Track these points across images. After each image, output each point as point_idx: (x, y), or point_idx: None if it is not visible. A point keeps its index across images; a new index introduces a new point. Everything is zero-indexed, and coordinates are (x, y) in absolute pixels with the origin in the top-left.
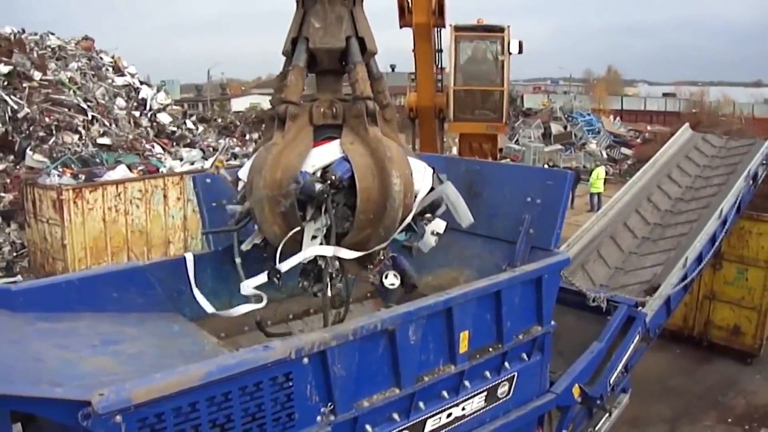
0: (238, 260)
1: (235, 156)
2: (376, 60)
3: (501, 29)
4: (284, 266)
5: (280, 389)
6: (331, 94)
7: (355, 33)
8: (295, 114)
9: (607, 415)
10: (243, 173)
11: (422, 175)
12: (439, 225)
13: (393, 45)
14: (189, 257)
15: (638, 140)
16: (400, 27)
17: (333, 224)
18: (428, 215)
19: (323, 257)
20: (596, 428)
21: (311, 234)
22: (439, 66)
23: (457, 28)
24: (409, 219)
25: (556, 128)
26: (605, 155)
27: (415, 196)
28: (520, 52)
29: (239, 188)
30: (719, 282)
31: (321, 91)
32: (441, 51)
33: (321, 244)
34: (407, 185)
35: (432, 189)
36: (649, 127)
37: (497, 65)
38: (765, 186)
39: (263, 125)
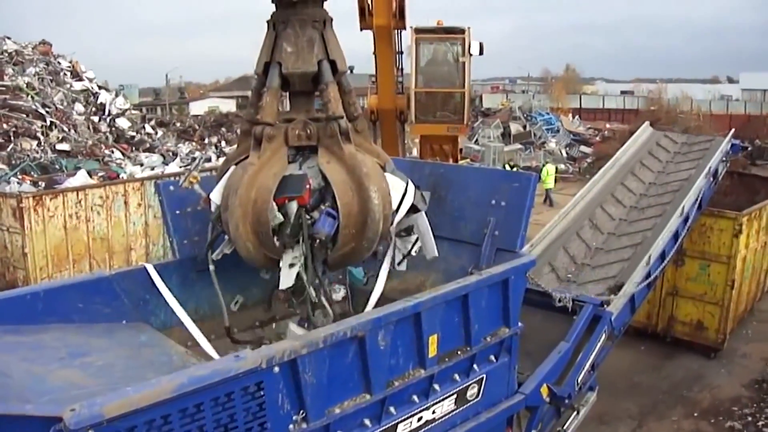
0: (212, 267)
1: (194, 160)
2: (346, 76)
3: (461, 31)
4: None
5: (251, 399)
6: (305, 113)
7: (327, 56)
8: (272, 135)
9: (575, 413)
10: (215, 195)
11: (399, 193)
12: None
13: (352, 47)
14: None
15: (597, 138)
16: (361, 29)
17: (309, 256)
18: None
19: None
20: (564, 427)
21: (288, 262)
22: (400, 68)
23: (418, 30)
24: (391, 230)
25: (515, 128)
26: (565, 154)
27: (397, 210)
28: (481, 53)
29: (212, 209)
30: (682, 278)
31: (294, 110)
32: (402, 53)
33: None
34: (385, 198)
35: (413, 206)
36: (608, 125)
37: (458, 67)
38: (725, 182)
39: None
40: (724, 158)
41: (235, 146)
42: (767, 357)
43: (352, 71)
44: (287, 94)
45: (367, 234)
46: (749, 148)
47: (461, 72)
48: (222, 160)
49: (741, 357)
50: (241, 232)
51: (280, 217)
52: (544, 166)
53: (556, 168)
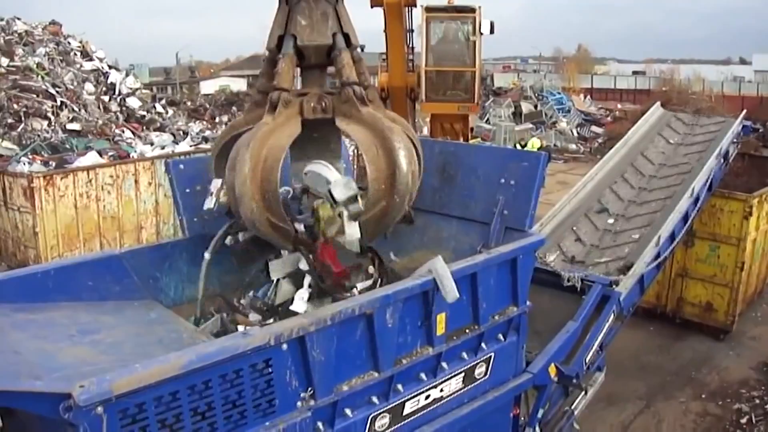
0: (207, 256)
1: (206, 139)
2: (358, 50)
3: (472, 10)
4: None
5: (259, 376)
6: (318, 88)
7: (340, 29)
8: (288, 101)
9: (583, 393)
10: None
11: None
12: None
13: (362, 25)
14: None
15: (608, 118)
16: (372, 6)
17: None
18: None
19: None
20: (572, 406)
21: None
22: (411, 46)
23: (429, 9)
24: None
25: (526, 107)
26: (576, 134)
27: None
28: (492, 32)
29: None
30: (691, 259)
31: (308, 85)
32: (412, 31)
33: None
34: (410, 151)
35: None
36: (619, 105)
37: (469, 46)
38: (736, 164)
39: (243, 106)
40: (735, 140)
41: (243, 115)
42: None
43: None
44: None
45: (398, 187)
46: (761, 130)
47: (472, 51)
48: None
49: (750, 339)
50: (248, 189)
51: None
52: (529, 139)
53: (551, 145)
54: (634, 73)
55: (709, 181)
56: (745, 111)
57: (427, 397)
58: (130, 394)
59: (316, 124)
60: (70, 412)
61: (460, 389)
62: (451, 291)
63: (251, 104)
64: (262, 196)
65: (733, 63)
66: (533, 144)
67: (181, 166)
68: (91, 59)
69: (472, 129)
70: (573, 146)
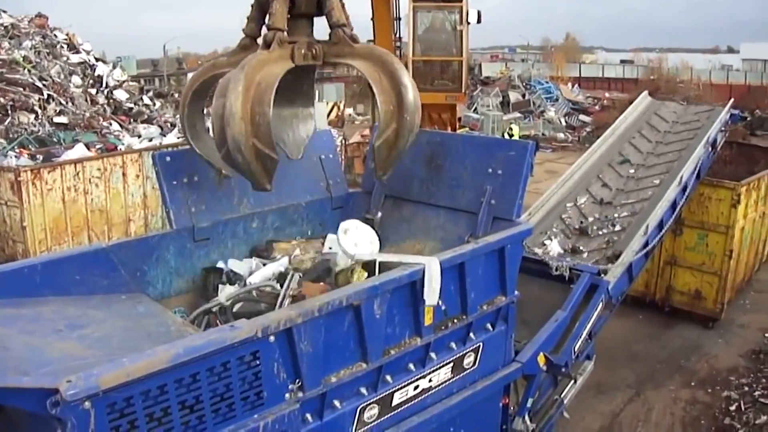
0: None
1: None
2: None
3: None
4: None
5: (247, 368)
6: (306, 37)
7: None
8: (284, 40)
9: (573, 382)
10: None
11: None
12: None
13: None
14: None
15: (596, 107)
16: None
17: None
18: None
19: None
20: (562, 395)
21: None
22: (398, 35)
23: None
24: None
25: (514, 96)
26: (564, 123)
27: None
28: (479, 21)
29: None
30: (680, 248)
31: (296, 34)
32: (399, 19)
33: None
34: (408, 72)
35: None
36: (607, 94)
37: (456, 35)
38: (724, 152)
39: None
40: (723, 128)
41: (227, 56)
42: (765, 327)
43: None
44: None
45: (407, 107)
46: (749, 119)
47: (459, 40)
48: None
49: (739, 327)
50: (239, 109)
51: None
52: (509, 126)
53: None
54: (622, 62)
55: (697, 169)
56: (732, 99)
57: (416, 387)
58: (117, 389)
59: (291, 70)
60: (58, 407)
61: (449, 379)
62: (434, 296)
63: (237, 47)
64: (252, 119)
65: (721, 52)
66: (513, 131)
67: (168, 158)
68: (77, 52)
69: (459, 119)
70: (561, 135)
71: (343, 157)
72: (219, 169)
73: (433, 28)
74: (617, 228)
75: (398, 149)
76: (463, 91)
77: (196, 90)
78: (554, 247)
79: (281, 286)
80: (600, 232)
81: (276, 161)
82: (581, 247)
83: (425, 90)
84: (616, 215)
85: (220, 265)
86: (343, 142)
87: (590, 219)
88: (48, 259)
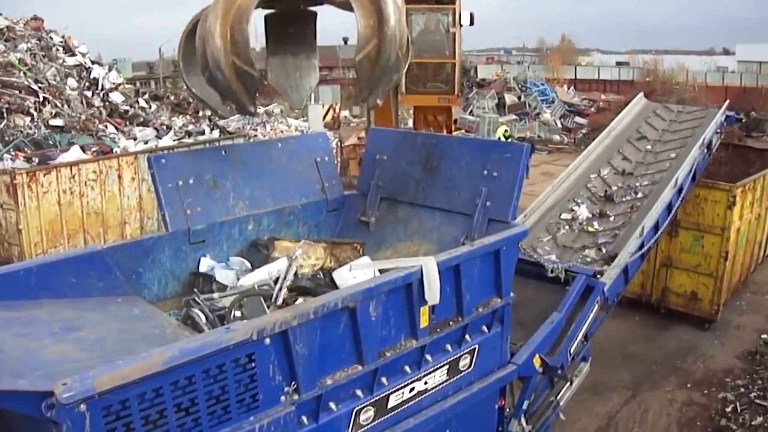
0: None
1: (189, 134)
2: None
3: (452, 1)
4: None
5: (243, 371)
6: None
7: None
8: None
9: (569, 383)
10: None
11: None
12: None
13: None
14: None
15: (592, 109)
16: None
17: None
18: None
19: None
20: (558, 397)
21: None
22: None
23: (408, 1)
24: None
25: (510, 98)
26: (560, 125)
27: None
28: (472, 23)
29: None
30: (676, 249)
31: None
32: None
33: None
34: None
35: None
36: (603, 96)
37: (448, 37)
38: (719, 153)
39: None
40: (718, 129)
41: None
42: (761, 328)
43: (346, 42)
44: None
45: (387, 20)
46: (744, 120)
47: (452, 42)
48: (216, 132)
49: (735, 328)
50: (218, 27)
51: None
52: (497, 128)
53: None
54: (618, 63)
55: (692, 171)
56: (728, 101)
57: (412, 389)
58: (113, 391)
59: (292, 19)
60: (53, 410)
61: (445, 381)
62: (435, 296)
63: None
64: (231, 37)
65: (717, 53)
66: (500, 132)
67: (163, 161)
68: (73, 54)
69: (455, 121)
70: (557, 137)
71: (338, 159)
72: (214, 108)
73: (426, 30)
74: (614, 228)
75: (381, 66)
76: (456, 93)
77: (191, 30)
78: (583, 211)
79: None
80: (596, 234)
81: (257, 80)
82: (608, 212)
83: (418, 92)
84: (613, 216)
85: (205, 267)
86: (339, 144)
87: (586, 219)
88: (43, 261)
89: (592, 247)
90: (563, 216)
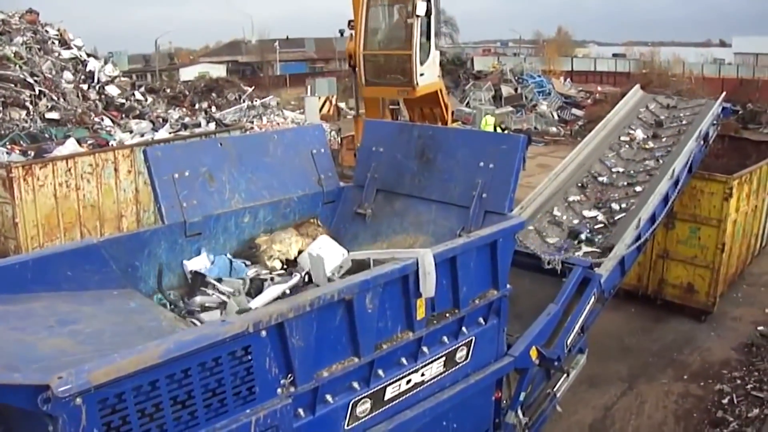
0: None
1: (185, 126)
2: None
3: None
4: None
5: (239, 363)
6: None
7: None
8: None
9: (565, 375)
10: None
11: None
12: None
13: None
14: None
15: (589, 101)
16: None
17: None
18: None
19: None
20: (554, 389)
21: None
22: None
23: None
24: None
25: (506, 90)
26: (556, 116)
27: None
28: (428, 14)
29: None
30: (672, 241)
31: None
32: None
33: None
34: None
35: None
36: (599, 88)
37: (406, 28)
38: (716, 145)
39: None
40: (714, 121)
41: None
42: (757, 320)
43: (342, 34)
44: None
45: None
46: (740, 112)
47: (409, 33)
48: (212, 125)
49: (731, 320)
50: None
51: None
52: (484, 117)
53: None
54: (614, 55)
55: (689, 163)
56: (724, 93)
57: (408, 381)
58: (109, 384)
59: None
60: (49, 403)
61: (442, 373)
62: (430, 289)
63: None
64: None
65: (713, 45)
66: (487, 122)
67: (159, 153)
68: (69, 47)
69: (453, 113)
70: (553, 129)
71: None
72: None
73: (384, 21)
74: (609, 221)
75: None
76: (414, 85)
77: None
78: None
79: None
80: (592, 225)
81: None
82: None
83: (378, 84)
84: (609, 207)
85: (198, 264)
86: (334, 135)
87: (582, 212)
88: (39, 255)
89: (589, 239)
90: (558, 209)
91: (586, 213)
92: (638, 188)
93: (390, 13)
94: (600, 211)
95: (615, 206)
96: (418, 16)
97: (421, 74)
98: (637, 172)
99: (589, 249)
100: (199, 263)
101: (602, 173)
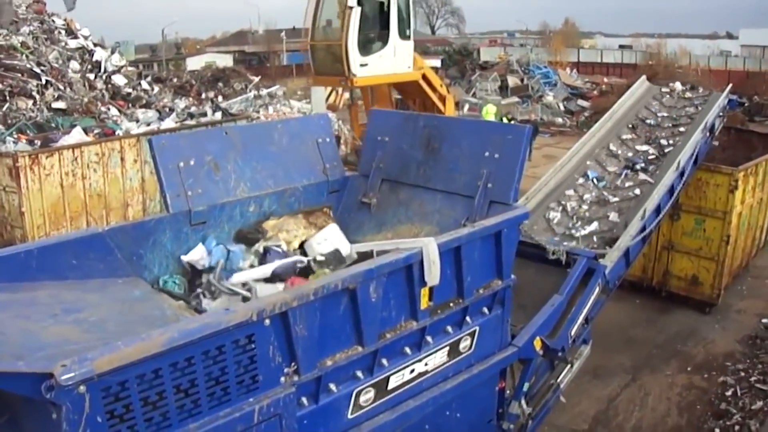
0: None
1: (191, 116)
2: None
3: None
4: None
5: (242, 352)
6: None
7: None
8: None
9: (569, 366)
10: None
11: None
12: None
13: None
14: None
15: (595, 92)
16: None
17: None
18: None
19: None
20: (558, 380)
21: None
22: None
23: None
24: None
25: (512, 81)
26: (562, 107)
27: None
28: (359, 4)
29: None
30: (677, 233)
31: None
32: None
33: None
34: None
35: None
36: (605, 79)
37: (342, 19)
38: (722, 137)
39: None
40: (720, 113)
41: None
42: (761, 313)
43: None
44: None
45: None
46: (747, 104)
47: (346, 24)
48: (218, 114)
49: (735, 312)
50: None
51: None
52: (484, 105)
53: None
54: (621, 47)
55: (694, 154)
56: (731, 85)
57: (412, 371)
58: (112, 372)
59: None
60: (52, 391)
61: (445, 363)
62: (435, 277)
63: None
64: None
65: (720, 37)
66: (488, 111)
67: (164, 142)
68: (76, 37)
69: (457, 103)
70: (559, 120)
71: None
72: None
73: (328, 13)
74: (615, 212)
75: None
76: (349, 74)
77: None
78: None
79: None
80: (597, 217)
81: None
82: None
83: (323, 74)
84: (614, 199)
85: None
86: (341, 125)
87: (588, 202)
88: (44, 243)
89: (595, 229)
90: (564, 199)
91: (594, 202)
92: (644, 179)
93: (331, 4)
94: (607, 201)
95: (622, 195)
96: (350, 7)
97: (363, 65)
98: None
99: (593, 232)
100: (195, 255)
101: (609, 162)
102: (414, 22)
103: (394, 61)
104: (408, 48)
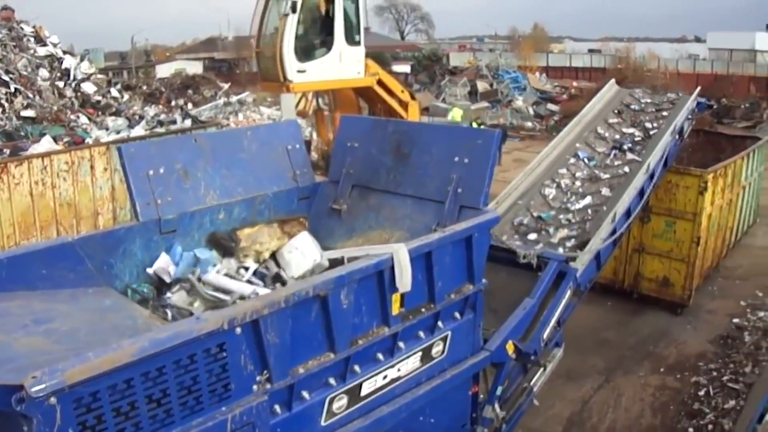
0: None
1: (161, 123)
2: None
3: None
4: None
5: (214, 360)
6: None
7: None
8: None
9: (542, 369)
10: None
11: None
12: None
13: None
14: None
15: (564, 96)
16: None
17: None
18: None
19: None
20: (531, 383)
21: None
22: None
23: None
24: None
25: (482, 86)
26: (531, 112)
27: None
28: (294, 11)
29: None
30: (648, 235)
31: None
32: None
33: None
34: None
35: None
36: (575, 83)
37: (280, 25)
38: (691, 140)
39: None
40: (689, 116)
41: None
42: (732, 313)
43: None
44: None
45: None
46: (715, 107)
47: (281, 30)
48: (188, 122)
49: (707, 313)
50: None
51: None
52: (451, 109)
53: (473, 118)
54: (590, 51)
55: (664, 157)
56: (699, 88)
57: (385, 377)
58: (83, 383)
59: None
60: (23, 403)
61: (418, 368)
62: (406, 283)
63: None
64: None
65: (688, 41)
66: (455, 114)
67: (133, 150)
68: (45, 45)
69: (426, 108)
70: (529, 124)
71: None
72: None
73: (271, 19)
74: (585, 216)
75: None
76: (283, 79)
77: None
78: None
79: None
80: (567, 220)
81: None
82: (548, 235)
83: (268, 79)
84: (584, 202)
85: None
86: (310, 131)
87: (558, 206)
88: (14, 253)
89: (565, 234)
90: (533, 202)
91: (564, 206)
92: (615, 181)
93: (275, 10)
94: (577, 204)
95: (592, 199)
96: (285, 14)
97: (301, 71)
98: (614, 166)
99: (564, 236)
100: (162, 264)
101: (579, 166)
102: (363, 28)
103: (341, 66)
104: (357, 54)
